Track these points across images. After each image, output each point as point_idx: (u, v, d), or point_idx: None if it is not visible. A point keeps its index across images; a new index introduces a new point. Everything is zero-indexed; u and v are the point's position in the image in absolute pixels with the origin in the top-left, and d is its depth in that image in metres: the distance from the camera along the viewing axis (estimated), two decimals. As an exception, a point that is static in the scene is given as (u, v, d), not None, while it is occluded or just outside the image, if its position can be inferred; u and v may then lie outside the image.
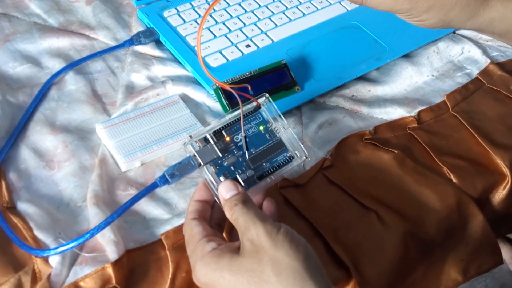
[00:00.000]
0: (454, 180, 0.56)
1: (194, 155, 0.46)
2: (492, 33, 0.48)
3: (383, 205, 0.53)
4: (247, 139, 0.47)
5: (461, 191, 0.55)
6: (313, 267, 0.40)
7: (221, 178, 0.46)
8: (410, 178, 0.55)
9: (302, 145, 0.49)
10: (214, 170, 0.46)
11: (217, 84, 0.58)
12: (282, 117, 0.49)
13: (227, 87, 0.51)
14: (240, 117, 0.47)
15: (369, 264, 0.50)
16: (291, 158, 0.48)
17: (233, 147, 0.47)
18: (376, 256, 0.50)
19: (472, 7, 0.46)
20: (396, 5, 0.47)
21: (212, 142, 0.47)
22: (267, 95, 0.49)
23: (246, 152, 0.47)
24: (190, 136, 0.46)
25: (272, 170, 0.48)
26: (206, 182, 0.46)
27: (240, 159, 0.47)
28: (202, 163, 0.46)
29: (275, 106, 0.49)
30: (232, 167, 0.47)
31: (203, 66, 0.49)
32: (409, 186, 0.54)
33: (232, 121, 0.48)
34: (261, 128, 0.48)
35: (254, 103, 0.49)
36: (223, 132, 0.47)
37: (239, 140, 0.47)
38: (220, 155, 0.46)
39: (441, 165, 0.56)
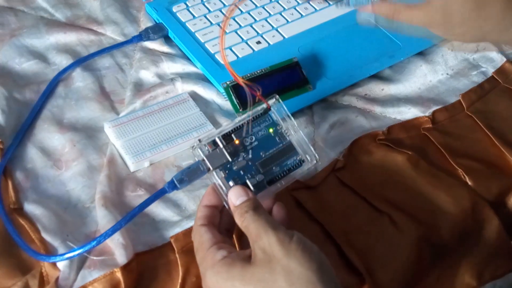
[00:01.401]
0: (469, 183, 0.55)
1: (203, 160, 0.45)
2: None
3: (396, 208, 0.52)
4: (257, 142, 0.46)
5: (476, 194, 0.54)
6: (327, 277, 0.39)
7: (231, 183, 0.45)
8: (424, 181, 0.54)
9: (312, 149, 0.48)
10: (223, 175, 0.45)
11: (227, 83, 0.57)
12: (292, 119, 0.48)
13: (243, 83, 0.48)
14: (249, 120, 0.46)
15: (382, 269, 0.49)
16: (302, 162, 0.47)
17: (243, 150, 0.46)
18: (389, 261, 0.49)
19: (507, 28, 0.44)
20: (429, 19, 0.45)
21: (221, 145, 0.45)
22: (277, 96, 0.48)
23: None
24: (199, 140, 0.45)
25: (282, 174, 0.47)
26: (215, 187, 0.45)
27: (250, 163, 0.46)
28: (211, 168, 0.45)
29: (285, 108, 0.48)
30: (241, 172, 0.46)
31: (232, 73, 0.47)
32: (423, 189, 0.53)
33: (242, 124, 0.47)
34: (271, 130, 0.47)
35: (264, 105, 0.47)
36: (232, 135, 0.46)
37: (248, 143, 0.46)
38: (230, 159, 0.45)
39: (456, 167, 0.55)
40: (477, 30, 0.44)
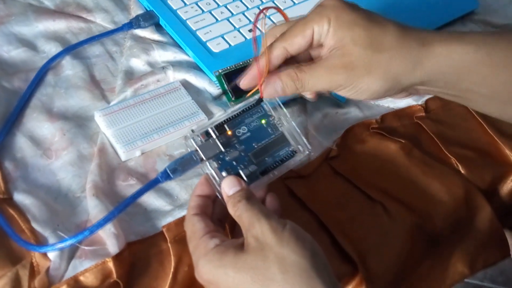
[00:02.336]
0: (462, 171, 0.55)
1: (196, 150, 0.45)
2: (444, 85, 0.44)
3: (389, 196, 0.52)
4: (249, 133, 0.46)
5: (469, 183, 0.54)
6: (320, 265, 0.39)
7: (223, 173, 0.45)
8: (418, 169, 0.54)
9: (305, 139, 0.48)
10: (216, 165, 0.45)
11: (219, 71, 0.56)
12: (285, 109, 0.48)
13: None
14: (242, 110, 0.46)
15: (375, 257, 0.49)
16: (294, 152, 0.47)
17: (235, 141, 0.46)
18: (383, 250, 0.49)
19: (411, 57, 0.43)
20: (334, 79, 0.43)
21: (214, 136, 0.45)
22: None
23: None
24: (192, 130, 0.45)
25: (275, 165, 0.47)
26: (208, 177, 0.45)
27: (243, 154, 0.46)
28: (204, 158, 0.45)
29: (277, 98, 0.48)
30: (234, 162, 0.45)
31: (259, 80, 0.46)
32: (416, 177, 0.53)
33: (234, 115, 0.46)
34: (263, 121, 0.47)
35: (256, 95, 0.47)
36: (225, 126, 0.46)
37: (241, 134, 0.46)
38: (223, 149, 0.45)
39: (449, 155, 0.55)
40: (385, 71, 0.43)
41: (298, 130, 0.48)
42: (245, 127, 0.46)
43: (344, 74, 0.43)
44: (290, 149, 0.47)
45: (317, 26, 0.44)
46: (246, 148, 0.46)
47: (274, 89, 0.45)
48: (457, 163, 0.55)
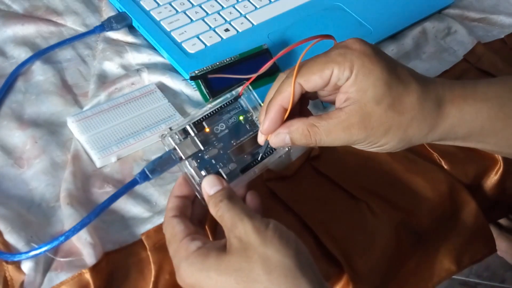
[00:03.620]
0: (445, 167, 0.54)
1: (175, 148, 0.43)
2: (454, 139, 0.43)
3: (373, 195, 0.51)
4: (227, 130, 0.45)
5: (453, 178, 0.53)
6: (305, 264, 0.38)
7: (203, 173, 0.43)
8: (401, 166, 0.53)
9: None
10: (195, 164, 0.43)
11: (196, 72, 0.55)
12: (262, 104, 0.46)
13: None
14: (220, 107, 0.45)
15: (361, 257, 0.48)
16: (273, 149, 0.46)
17: (214, 138, 0.44)
18: (368, 249, 0.48)
19: (429, 120, 0.41)
20: (352, 137, 0.41)
21: (192, 134, 0.44)
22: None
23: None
24: (170, 128, 0.43)
25: (254, 163, 0.45)
26: (187, 177, 0.44)
27: (222, 152, 0.44)
28: (183, 157, 0.43)
29: (255, 94, 0.46)
30: (213, 160, 0.44)
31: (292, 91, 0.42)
32: (400, 174, 0.52)
33: (213, 111, 0.45)
34: (241, 118, 0.46)
35: (233, 92, 0.46)
36: (203, 123, 0.44)
37: (219, 131, 0.45)
38: (202, 147, 0.44)
39: (432, 151, 0.54)
40: (402, 135, 0.41)
41: None
42: (223, 124, 0.45)
43: (362, 134, 0.41)
44: (269, 146, 0.46)
45: (338, 70, 0.40)
46: (224, 146, 0.45)
47: (283, 142, 0.43)
48: (440, 158, 0.54)
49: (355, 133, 0.41)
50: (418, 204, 0.51)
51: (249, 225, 0.39)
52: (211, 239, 0.46)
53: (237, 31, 0.61)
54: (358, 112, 0.40)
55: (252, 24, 0.62)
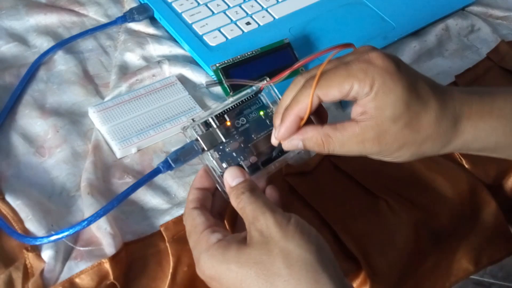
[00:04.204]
0: (466, 166, 0.53)
1: (197, 140, 0.43)
2: (467, 151, 0.43)
3: (393, 192, 0.51)
4: (248, 125, 0.45)
5: (474, 178, 0.52)
6: (326, 259, 0.38)
7: (224, 165, 0.43)
8: (421, 164, 0.52)
9: None
10: (217, 156, 0.43)
11: (217, 65, 0.55)
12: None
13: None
14: (241, 101, 0.45)
15: (379, 255, 0.48)
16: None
17: (235, 132, 0.44)
18: (386, 247, 0.48)
19: (443, 137, 0.41)
20: (365, 150, 0.41)
21: (214, 126, 0.44)
22: (268, 78, 0.46)
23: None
24: (193, 120, 0.43)
25: (275, 157, 0.45)
26: (208, 169, 0.44)
27: (243, 145, 0.44)
28: (205, 148, 0.43)
29: (275, 90, 0.46)
30: (234, 153, 0.44)
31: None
32: (420, 173, 0.52)
33: (234, 105, 0.45)
34: (261, 113, 0.46)
35: (254, 87, 0.46)
36: (225, 116, 0.44)
37: (240, 125, 0.45)
38: (224, 140, 0.44)
39: (453, 150, 0.54)
40: (415, 150, 0.41)
41: None
42: (244, 118, 0.45)
43: (376, 148, 0.41)
44: None
45: (358, 86, 0.40)
46: (245, 139, 0.45)
47: (296, 147, 0.42)
48: (461, 157, 0.54)
49: (368, 147, 0.41)
50: (438, 203, 0.51)
51: (271, 219, 0.39)
52: (230, 232, 0.46)
53: (259, 24, 0.61)
54: (374, 128, 0.40)
55: (274, 18, 0.62)
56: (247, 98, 0.46)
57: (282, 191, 0.47)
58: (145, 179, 0.44)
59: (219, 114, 0.44)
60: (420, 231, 0.50)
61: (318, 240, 0.39)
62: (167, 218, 0.47)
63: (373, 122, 0.40)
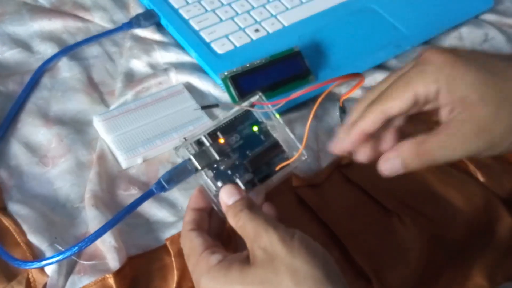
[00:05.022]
0: (481, 179, 0.52)
1: (190, 159, 0.42)
2: None
3: (405, 206, 0.49)
4: (242, 141, 0.44)
5: (489, 191, 0.51)
6: (334, 275, 0.37)
7: (219, 183, 0.42)
8: (434, 177, 0.51)
9: (299, 145, 0.45)
10: (211, 175, 0.42)
11: (225, 73, 0.54)
12: (277, 115, 0.45)
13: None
14: (233, 118, 0.44)
15: (391, 272, 0.46)
16: (288, 159, 0.45)
17: (228, 149, 0.43)
18: (399, 263, 0.47)
19: None
20: (469, 148, 0.38)
21: (208, 144, 0.43)
22: (260, 93, 0.45)
23: None
24: (185, 138, 0.42)
25: (271, 173, 0.44)
26: (203, 189, 0.43)
27: (237, 163, 0.43)
28: (199, 167, 0.42)
29: (269, 104, 0.45)
30: (229, 171, 0.43)
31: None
32: (433, 186, 0.51)
33: (227, 122, 0.44)
34: (255, 128, 0.45)
35: (246, 102, 0.45)
36: (218, 133, 0.43)
37: (233, 142, 0.44)
38: (218, 158, 0.43)
39: (467, 162, 0.52)
40: None
41: (292, 136, 0.45)
42: (238, 135, 0.44)
43: (481, 141, 0.38)
44: (284, 156, 0.45)
45: (423, 89, 0.38)
46: (240, 156, 0.44)
47: (394, 167, 0.41)
48: (476, 170, 0.52)
49: (474, 142, 0.38)
50: (452, 217, 0.49)
51: (275, 235, 0.37)
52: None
53: (268, 32, 0.60)
54: (469, 120, 0.38)
55: (283, 25, 0.61)
56: (239, 114, 0.45)
57: (289, 204, 0.46)
58: (138, 201, 0.43)
59: (211, 131, 0.43)
60: (433, 246, 0.48)
61: (324, 255, 0.38)
62: (173, 231, 0.46)
63: (464, 115, 0.38)
